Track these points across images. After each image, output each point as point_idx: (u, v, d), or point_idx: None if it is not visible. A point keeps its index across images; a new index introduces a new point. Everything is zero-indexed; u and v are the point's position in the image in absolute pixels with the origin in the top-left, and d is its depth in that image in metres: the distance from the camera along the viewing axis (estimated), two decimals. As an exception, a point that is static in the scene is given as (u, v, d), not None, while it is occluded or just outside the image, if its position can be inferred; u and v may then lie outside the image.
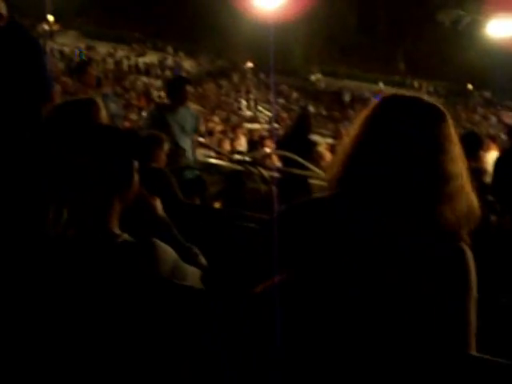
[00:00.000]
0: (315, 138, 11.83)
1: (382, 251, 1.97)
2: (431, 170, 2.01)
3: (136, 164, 2.27)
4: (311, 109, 34.83)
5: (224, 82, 39.02)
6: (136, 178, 2.28)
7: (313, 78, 42.74)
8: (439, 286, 1.94)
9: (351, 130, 2.19)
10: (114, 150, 2.20)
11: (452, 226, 2.00)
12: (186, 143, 7.06)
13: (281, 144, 9.50)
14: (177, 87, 7.17)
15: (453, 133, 2.08)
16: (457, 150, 2.07)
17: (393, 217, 2.00)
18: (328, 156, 10.70)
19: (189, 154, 7.17)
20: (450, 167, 2.02)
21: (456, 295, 1.94)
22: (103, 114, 3.31)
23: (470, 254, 1.99)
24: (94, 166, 2.16)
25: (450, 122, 2.11)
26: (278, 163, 9.90)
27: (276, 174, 8.92)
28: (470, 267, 1.98)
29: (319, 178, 7.85)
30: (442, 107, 2.14)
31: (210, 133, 16.12)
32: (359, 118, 2.18)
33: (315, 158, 9.20)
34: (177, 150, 6.76)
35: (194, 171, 7.44)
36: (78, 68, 7.70)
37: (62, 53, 36.64)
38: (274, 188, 8.20)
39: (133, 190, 2.27)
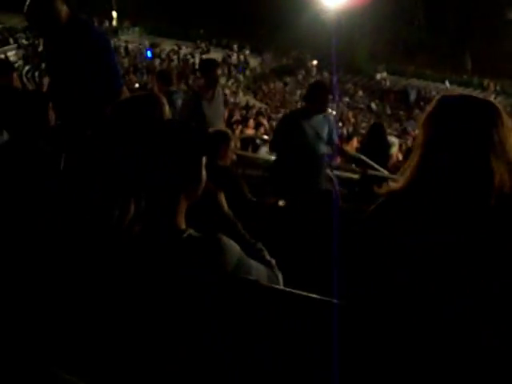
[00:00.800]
0: (392, 139, 11.84)
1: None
2: (485, 167, 2.09)
3: (204, 160, 2.29)
4: (374, 107, 34.61)
5: (288, 80, 38.97)
6: (204, 174, 2.30)
7: (378, 76, 42.40)
8: None
9: (418, 131, 2.31)
10: (183, 146, 2.22)
11: None
12: (320, 150, 6.76)
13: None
14: (317, 93, 6.70)
15: (506, 135, 2.13)
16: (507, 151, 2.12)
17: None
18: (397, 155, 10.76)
19: (322, 158, 6.88)
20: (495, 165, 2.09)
21: None
22: (166, 109, 3.32)
23: None
24: (162, 162, 2.18)
25: (505, 117, 2.16)
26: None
27: (340, 174, 8.90)
28: None
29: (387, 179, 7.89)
30: (496, 104, 2.21)
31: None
32: (421, 119, 2.28)
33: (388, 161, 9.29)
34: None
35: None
36: (205, 67, 7.77)
37: (126, 49, 37.07)
38: (337, 187, 8.18)
39: (200, 187, 2.29)
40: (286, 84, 38.01)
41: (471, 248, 2.03)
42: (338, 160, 10.26)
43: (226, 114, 18.08)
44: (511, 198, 2.09)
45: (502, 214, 2.06)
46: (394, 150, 11.60)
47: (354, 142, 13.48)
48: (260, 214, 4.28)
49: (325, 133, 6.71)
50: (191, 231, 2.20)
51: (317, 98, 6.58)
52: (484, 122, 2.13)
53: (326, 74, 39.32)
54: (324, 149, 6.74)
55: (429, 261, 2.05)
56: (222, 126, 7.32)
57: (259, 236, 2.66)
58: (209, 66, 7.50)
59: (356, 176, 9.57)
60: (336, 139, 7.00)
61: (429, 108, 2.27)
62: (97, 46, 4.68)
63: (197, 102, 7.29)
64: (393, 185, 2.33)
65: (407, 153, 8.76)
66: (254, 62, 39.28)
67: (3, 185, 3.15)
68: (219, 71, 7.72)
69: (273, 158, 9.77)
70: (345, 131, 19.53)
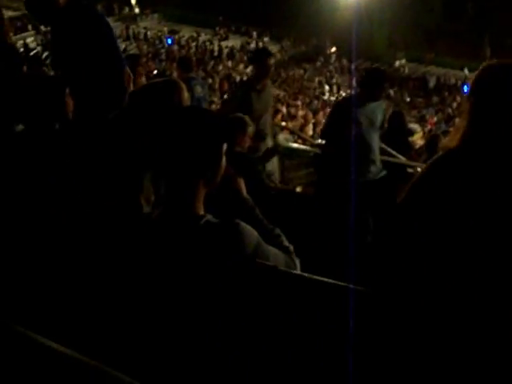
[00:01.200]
0: (414, 126, 11.80)
1: None
2: None
3: (224, 148, 2.30)
4: (393, 94, 34.45)
5: (307, 67, 38.86)
6: (223, 161, 2.31)
7: (397, 63, 42.20)
8: None
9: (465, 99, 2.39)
10: (203, 133, 2.23)
11: None
12: (373, 139, 6.48)
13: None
14: (374, 80, 6.38)
15: None
16: None
17: None
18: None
19: (375, 147, 6.57)
20: None
21: None
22: (185, 95, 3.32)
23: None
24: (181, 149, 2.20)
25: None
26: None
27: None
28: None
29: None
30: None
31: (292, 117, 16.08)
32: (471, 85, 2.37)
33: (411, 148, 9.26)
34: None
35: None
36: (257, 56, 7.57)
37: (146, 36, 37.06)
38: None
39: (219, 174, 2.30)
40: (304, 71, 37.91)
41: None
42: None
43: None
44: None
45: None
46: (417, 136, 11.57)
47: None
48: (279, 200, 4.28)
49: (378, 121, 6.49)
50: (209, 217, 2.21)
51: (373, 84, 6.32)
52: None
53: (344, 62, 39.18)
54: (376, 138, 6.52)
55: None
56: (269, 119, 7.15)
57: (277, 222, 2.67)
58: (261, 55, 7.15)
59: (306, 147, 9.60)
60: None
61: (475, 76, 2.36)
62: (96, 29, 4.67)
63: (245, 93, 6.97)
64: (447, 143, 2.38)
65: (431, 139, 8.69)
66: (272, 48, 39.17)
67: (20, 173, 3.16)
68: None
69: (291, 144, 9.77)
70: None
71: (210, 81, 25.16)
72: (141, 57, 6.32)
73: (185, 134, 2.19)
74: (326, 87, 33.71)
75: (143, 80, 6.69)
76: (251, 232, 2.21)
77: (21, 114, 3.52)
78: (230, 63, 33.17)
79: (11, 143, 3.33)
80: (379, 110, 6.53)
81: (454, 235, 2.13)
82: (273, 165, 7.37)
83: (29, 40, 29.29)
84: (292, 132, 11.30)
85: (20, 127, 3.71)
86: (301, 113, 17.86)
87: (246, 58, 33.96)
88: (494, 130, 2.20)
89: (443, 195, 2.19)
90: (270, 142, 7.18)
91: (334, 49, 40.45)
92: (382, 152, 8.55)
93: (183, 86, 3.37)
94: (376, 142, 6.49)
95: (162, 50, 34.67)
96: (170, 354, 2.06)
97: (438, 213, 2.19)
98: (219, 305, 2.03)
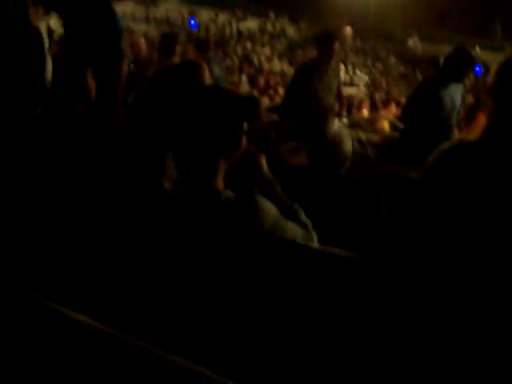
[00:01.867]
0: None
1: None
2: None
3: (245, 126, 2.29)
4: (406, 72, 34.17)
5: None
6: (244, 139, 2.31)
7: (410, 42, 41.81)
8: None
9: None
10: (225, 111, 2.22)
11: None
12: (452, 122, 6.25)
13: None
14: (458, 61, 6.14)
15: None
16: None
17: None
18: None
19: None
20: None
21: None
22: (207, 76, 3.32)
23: None
24: (204, 127, 2.20)
25: None
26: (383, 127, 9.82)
27: (375, 138, 8.82)
28: None
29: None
30: None
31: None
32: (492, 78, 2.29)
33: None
34: None
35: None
36: (321, 39, 7.25)
37: (167, 19, 36.86)
38: (371, 150, 8.11)
39: (239, 151, 2.30)
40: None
41: None
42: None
43: (262, 81, 18.00)
44: None
45: None
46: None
47: (393, 108, 13.36)
48: (298, 176, 4.26)
49: (458, 103, 6.25)
50: (229, 193, 2.22)
51: (458, 65, 6.14)
52: None
53: (358, 41, 38.89)
54: (454, 120, 6.28)
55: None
56: (331, 102, 7.04)
57: (296, 198, 2.66)
58: (327, 38, 7.01)
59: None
60: None
61: (496, 69, 2.27)
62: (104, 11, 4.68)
63: (306, 76, 6.88)
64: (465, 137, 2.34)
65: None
66: (290, 29, 38.92)
67: (42, 153, 3.16)
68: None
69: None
70: (377, 97, 19.30)
71: (230, 62, 25.04)
72: (178, 36, 6.21)
73: (207, 112, 2.21)
74: (342, 66, 33.50)
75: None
76: (270, 207, 2.21)
77: (41, 97, 3.52)
78: (249, 44, 32.95)
79: (31, 125, 3.32)
80: (460, 91, 6.27)
81: (462, 222, 2.10)
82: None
83: (52, 22, 29.28)
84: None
85: (39, 111, 3.70)
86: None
87: (265, 39, 33.77)
88: None
89: (455, 183, 2.15)
90: (334, 126, 7.04)
91: (349, 29, 40.14)
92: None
93: (205, 66, 3.37)
94: (454, 124, 6.25)
95: (184, 32, 34.50)
96: (192, 326, 2.07)
97: (449, 199, 2.16)
98: (238, 278, 2.04)
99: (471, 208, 2.07)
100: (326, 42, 6.90)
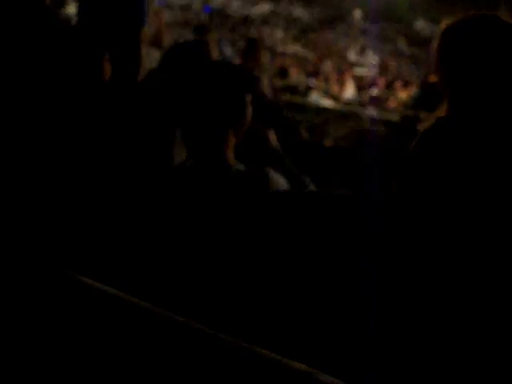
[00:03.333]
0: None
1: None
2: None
3: (249, 98, 2.24)
4: (413, 54, 34.07)
5: (334, 30, 38.45)
6: (249, 111, 2.26)
7: (417, 25, 41.69)
8: None
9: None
10: (229, 84, 2.19)
11: None
12: None
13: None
14: None
15: None
16: None
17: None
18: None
19: None
20: None
21: None
22: (215, 54, 3.28)
23: None
24: (210, 101, 2.16)
25: None
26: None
27: (386, 116, 8.79)
28: None
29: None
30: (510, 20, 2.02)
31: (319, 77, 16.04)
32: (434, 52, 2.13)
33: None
34: None
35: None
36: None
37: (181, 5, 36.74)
38: (381, 128, 8.07)
39: (246, 123, 2.26)
40: (331, 33, 37.54)
41: None
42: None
43: (277, 63, 17.99)
44: None
45: None
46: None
47: (402, 88, 13.33)
48: (311, 152, 4.25)
49: None
50: (240, 166, 2.19)
51: None
52: (501, 34, 1.99)
53: (367, 24, 38.78)
54: None
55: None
56: None
57: (308, 172, 2.63)
58: None
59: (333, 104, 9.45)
60: None
61: (439, 40, 2.12)
62: None
63: None
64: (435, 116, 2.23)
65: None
66: (302, 12, 38.76)
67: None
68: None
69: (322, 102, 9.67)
70: (386, 77, 19.24)
71: (244, 45, 25.03)
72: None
73: (212, 85, 2.21)
74: (352, 48, 33.39)
75: None
76: (280, 180, 2.17)
77: (55, 81, 3.46)
78: (262, 28, 32.88)
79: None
80: None
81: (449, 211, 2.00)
82: None
83: (69, 7, 29.27)
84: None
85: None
86: (328, 73, 17.80)
87: (277, 22, 33.70)
88: (475, 97, 2.00)
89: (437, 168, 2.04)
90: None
91: (359, 11, 40.00)
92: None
93: (213, 44, 3.33)
94: None
95: (195, 19, 34.37)
96: (202, 291, 2.04)
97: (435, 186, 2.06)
98: (249, 248, 1.99)
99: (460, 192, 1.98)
100: None
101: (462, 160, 1.93)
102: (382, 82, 17.44)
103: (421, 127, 2.15)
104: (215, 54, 3.27)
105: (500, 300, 1.73)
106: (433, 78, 8.47)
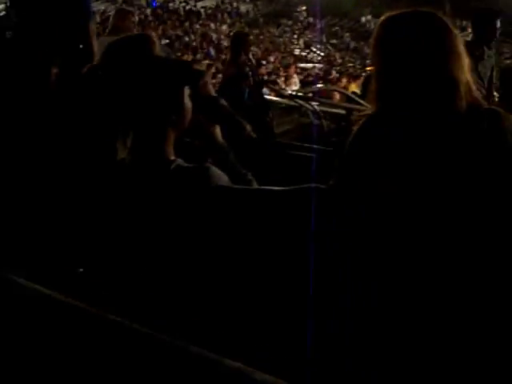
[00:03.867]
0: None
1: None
2: (442, 76, 2.01)
3: (187, 91, 2.21)
4: (359, 47, 34.40)
5: (280, 25, 38.56)
6: (188, 104, 2.23)
7: (363, 19, 42.07)
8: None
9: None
10: (165, 79, 2.16)
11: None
12: None
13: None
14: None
15: (458, 42, 2.06)
16: (463, 58, 2.05)
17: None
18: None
19: None
20: (457, 73, 2.00)
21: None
22: (157, 48, 3.24)
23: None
24: (146, 95, 2.14)
25: (455, 32, 2.08)
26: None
27: (330, 109, 8.83)
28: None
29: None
30: (445, 19, 2.10)
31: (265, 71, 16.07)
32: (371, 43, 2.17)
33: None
34: None
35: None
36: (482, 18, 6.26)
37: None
38: (324, 122, 8.11)
39: (185, 116, 2.23)
40: (277, 28, 37.65)
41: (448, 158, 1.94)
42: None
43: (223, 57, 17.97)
44: (478, 105, 2.04)
45: (472, 121, 1.98)
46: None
47: (347, 82, 13.44)
48: (256, 148, 4.22)
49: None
50: (180, 161, 2.15)
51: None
52: (434, 31, 2.05)
53: (311, 19, 39.00)
54: None
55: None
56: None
57: (252, 168, 2.61)
58: (490, 17, 6.01)
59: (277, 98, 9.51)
60: None
61: (375, 33, 2.16)
62: None
63: None
64: (366, 110, 2.25)
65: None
66: (246, 7, 38.78)
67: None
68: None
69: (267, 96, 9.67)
70: (334, 72, 19.40)
71: (187, 39, 24.95)
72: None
73: (149, 79, 2.15)
74: (297, 43, 33.55)
75: None
76: (221, 176, 2.15)
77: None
78: (207, 22, 32.80)
79: None
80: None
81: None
82: None
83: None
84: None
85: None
86: (273, 67, 17.85)
87: (222, 17, 33.67)
88: (407, 87, 2.03)
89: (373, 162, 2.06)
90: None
91: (304, 7, 40.19)
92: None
93: (155, 39, 3.29)
94: None
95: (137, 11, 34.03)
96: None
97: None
98: (191, 242, 1.98)
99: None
100: (489, 20, 5.96)
101: (394, 154, 1.97)
102: (327, 75, 17.59)
103: (356, 124, 2.18)
104: (157, 49, 3.22)
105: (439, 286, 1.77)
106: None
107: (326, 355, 1.77)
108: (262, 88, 8.10)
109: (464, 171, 1.92)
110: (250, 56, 7.77)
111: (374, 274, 1.79)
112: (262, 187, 2.21)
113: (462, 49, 2.05)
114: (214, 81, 11.41)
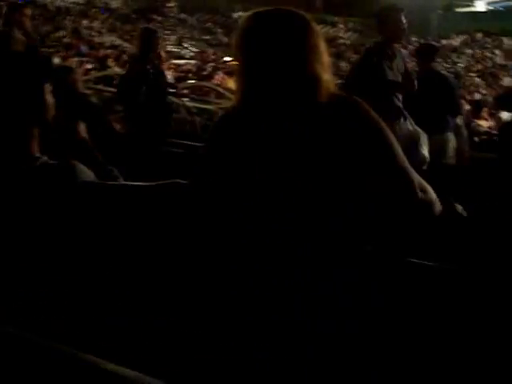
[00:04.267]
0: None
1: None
2: (302, 72, 2.06)
3: (48, 87, 2.20)
4: (225, 40, 34.49)
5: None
6: (49, 100, 2.21)
7: (235, 15, 42.23)
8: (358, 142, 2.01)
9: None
10: (24, 75, 2.13)
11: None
12: None
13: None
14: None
15: (318, 41, 2.12)
16: (324, 56, 2.12)
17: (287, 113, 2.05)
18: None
19: None
20: (317, 70, 2.06)
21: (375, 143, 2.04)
22: (20, 46, 3.18)
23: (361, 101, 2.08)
24: (5, 92, 2.09)
25: (314, 24, 2.15)
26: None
27: (203, 106, 8.84)
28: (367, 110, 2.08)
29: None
30: (302, 13, 2.18)
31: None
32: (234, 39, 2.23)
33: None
34: None
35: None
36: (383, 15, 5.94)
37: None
38: (196, 118, 8.12)
39: (48, 113, 2.21)
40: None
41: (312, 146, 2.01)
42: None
43: (93, 53, 17.63)
44: (339, 99, 2.10)
45: (333, 113, 2.03)
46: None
47: (221, 78, 13.40)
48: (121, 142, 4.20)
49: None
50: (45, 158, 2.14)
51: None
52: (295, 30, 2.10)
53: (182, 15, 38.79)
54: None
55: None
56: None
57: (122, 165, 2.61)
58: (389, 12, 5.78)
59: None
60: None
61: (238, 29, 2.22)
62: None
63: (372, 61, 5.57)
64: (229, 105, 2.30)
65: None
66: (117, 2, 38.13)
67: None
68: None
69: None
70: (205, 67, 19.37)
71: (60, 34, 24.32)
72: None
73: (8, 75, 2.11)
74: (170, 39, 33.28)
75: None
76: (87, 172, 2.15)
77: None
78: (77, 19, 32.03)
79: None
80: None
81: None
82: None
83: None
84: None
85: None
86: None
87: (90, 12, 32.98)
88: (269, 83, 2.09)
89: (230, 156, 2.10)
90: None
91: (172, 3, 39.90)
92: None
93: (20, 37, 3.23)
94: None
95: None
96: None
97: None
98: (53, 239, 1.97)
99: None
100: (387, 17, 5.80)
101: (255, 145, 2.03)
102: (201, 71, 17.54)
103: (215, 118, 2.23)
104: (20, 46, 3.16)
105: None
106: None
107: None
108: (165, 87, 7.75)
109: (328, 155, 2.00)
110: (162, 53, 7.54)
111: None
112: (127, 183, 2.22)
113: (323, 46, 2.12)
114: (86, 77, 11.20)
